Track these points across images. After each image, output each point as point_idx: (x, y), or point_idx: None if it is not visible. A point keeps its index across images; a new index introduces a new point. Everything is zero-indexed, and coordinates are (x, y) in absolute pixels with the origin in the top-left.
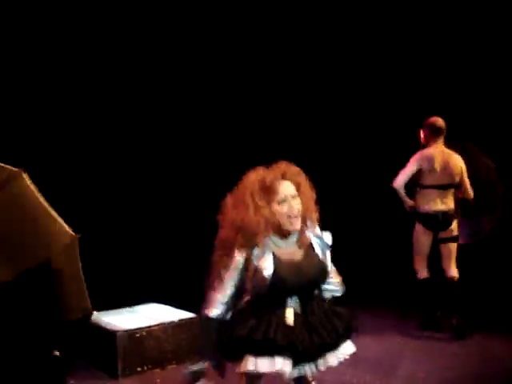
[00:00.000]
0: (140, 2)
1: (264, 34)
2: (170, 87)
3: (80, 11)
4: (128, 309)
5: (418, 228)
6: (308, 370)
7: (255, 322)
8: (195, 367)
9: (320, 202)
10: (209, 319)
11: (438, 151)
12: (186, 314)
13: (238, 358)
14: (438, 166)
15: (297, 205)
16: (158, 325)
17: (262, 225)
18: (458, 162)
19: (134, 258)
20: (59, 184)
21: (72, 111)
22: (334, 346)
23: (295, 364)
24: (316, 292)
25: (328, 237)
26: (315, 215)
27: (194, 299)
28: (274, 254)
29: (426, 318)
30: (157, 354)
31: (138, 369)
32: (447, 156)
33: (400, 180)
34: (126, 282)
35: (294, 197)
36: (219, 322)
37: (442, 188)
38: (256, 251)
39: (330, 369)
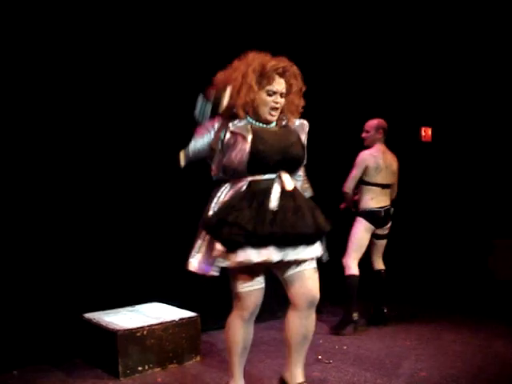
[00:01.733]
0: (140, 2)
1: (264, 34)
2: (168, 86)
3: (80, 11)
4: (129, 308)
5: (361, 225)
6: (290, 255)
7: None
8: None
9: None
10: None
11: (383, 151)
12: (187, 313)
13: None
14: (383, 165)
15: (281, 102)
16: (159, 324)
17: (248, 102)
18: (396, 162)
19: (134, 257)
20: (62, 180)
21: (67, 110)
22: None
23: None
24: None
25: (305, 124)
26: (297, 116)
27: (195, 298)
28: (252, 129)
29: (374, 314)
30: (158, 354)
31: (139, 368)
32: (390, 156)
33: (351, 184)
34: (126, 281)
35: (282, 94)
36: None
37: (386, 187)
38: (233, 124)
39: (331, 367)
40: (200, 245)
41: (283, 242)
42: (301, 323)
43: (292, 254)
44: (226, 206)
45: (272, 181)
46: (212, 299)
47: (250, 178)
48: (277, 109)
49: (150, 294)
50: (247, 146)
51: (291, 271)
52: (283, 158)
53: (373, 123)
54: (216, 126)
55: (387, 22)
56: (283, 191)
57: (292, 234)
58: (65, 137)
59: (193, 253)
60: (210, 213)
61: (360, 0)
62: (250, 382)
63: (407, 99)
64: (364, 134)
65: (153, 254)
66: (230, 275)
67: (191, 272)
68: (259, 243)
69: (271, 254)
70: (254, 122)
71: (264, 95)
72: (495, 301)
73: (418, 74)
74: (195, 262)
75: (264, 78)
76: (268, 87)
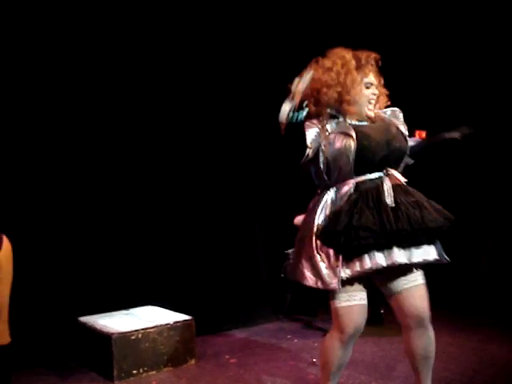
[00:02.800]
0: (139, 2)
1: (262, 34)
2: (167, 87)
3: (79, 11)
4: (124, 311)
5: None
6: (398, 256)
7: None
8: None
9: None
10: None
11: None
12: (182, 317)
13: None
14: None
15: (377, 93)
16: (153, 327)
17: (354, 94)
18: None
19: (129, 260)
20: (56, 186)
21: (69, 110)
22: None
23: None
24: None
25: (397, 111)
26: (385, 105)
27: (190, 302)
28: (353, 126)
29: (371, 314)
30: (152, 357)
31: (134, 371)
32: None
33: None
34: (121, 284)
35: (376, 86)
36: None
37: None
38: (333, 125)
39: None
40: (310, 258)
41: (411, 240)
42: (416, 344)
43: (417, 255)
44: (340, 212)
45: (380, 179)
46: (207, 303)
47: (354, 180)
48: (374, 102)
49: (144, 298)
50: (352, 144)
51: (398, 287)
52: (389, 152)
53: None
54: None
55: (383, 24)
56: (395, 187)
57: (421, 229)
58: (62, 138)
59: (304, 270)
60: (319, 222)
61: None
62: None
63: (401, 102)
64: None
65: (148, 258)
66: (331, 291)
67: (186, 275)
68: (387, 244)
69: (399, 256)
70: (350, 121)
71: (363, 89)
72: (489, 303)
73: (413, 76)
74: (312, 279)
75: (360, 69)
76: (365, 79)
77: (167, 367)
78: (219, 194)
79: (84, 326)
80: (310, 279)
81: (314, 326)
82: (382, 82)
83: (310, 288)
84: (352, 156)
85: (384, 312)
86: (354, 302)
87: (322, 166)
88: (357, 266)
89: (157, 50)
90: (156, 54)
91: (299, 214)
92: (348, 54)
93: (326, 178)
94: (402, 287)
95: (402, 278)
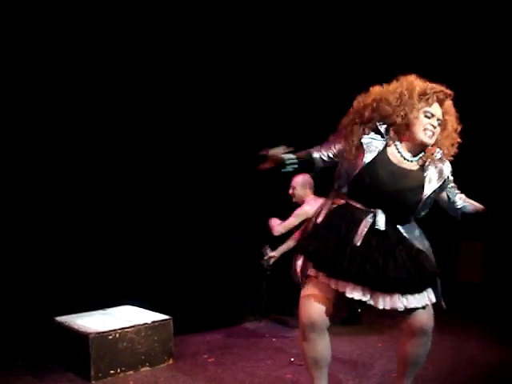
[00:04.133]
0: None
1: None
2: (167, 87)
3: (81, 11)
4: (101, 311)
5: None
6: (380, 301)
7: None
8: None
9: None
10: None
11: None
12: (159, 316)
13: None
14: None
15: (437, 128)
16: (131, 327)
17: (400, 114)
18: None
19: (107, 260)
20: (33, 183)
21: (70, 108)
22: (415, 286)
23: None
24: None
25: (448, 169)
26: (449, 152)
27: (168, 301)
28: (384, 151)
29: (348, 313)
30: (130, 357)
31: (111, 371)
32: None
33: (282, 231)
34: (98, 284)
35: (439, 120)
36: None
37: None
38: (371, 139)
39: (303, 369)
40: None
41: (366, 283)
42: (413, 351)
43: (383, 303)
44: (318, 229)
45: (367, 213)
46: (185, 302)
47: (345, 201)
48: (432, 133)
49: (122, 298)
50: (357, 168)
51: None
52: (391, 200)
53: (298, 180)
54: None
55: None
56: (374, 229)
57: (377, 276)
58: (47, 132)
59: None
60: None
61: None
62: None
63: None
64: (290, 191)
65: (125, 258)
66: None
67: (163, 275)
68: (338, 275)
69: (351, 290)
70: (397, 144)
71: (421, 116)
72: (463, 303)
73: (394, 69)
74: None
75: (423, 98)
76: (426, 108)
77: (145, 367)
78: (197, 193)
79: (61, 325)
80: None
81: (291, 325)
82: (456, 126)
83: (284, 287)
84: (350, 178)
85: (361, 311)
86: (313, 293)
87: (339, 171)
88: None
89: (156, 51)
90: (155, 55)
91: (273, 217)
92: (416, 81)
93: (336, 182)
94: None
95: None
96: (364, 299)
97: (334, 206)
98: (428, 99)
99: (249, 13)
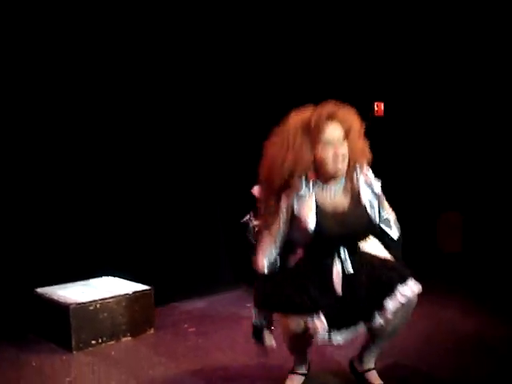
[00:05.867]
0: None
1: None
2: (167, 86)
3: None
4: (81, 282)
5: None
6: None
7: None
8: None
9: None
10: (262, 275)
11: None
12: (140, 287)
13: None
14: None
15: (343, 149)
16: (112, 297)
17: (300, 165)
18: None
19: (87, 230)
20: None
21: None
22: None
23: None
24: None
25: (377, 185)
26: (365, 161)
27: (148, 271)
28: (317, 203)
29: None
30: (111, 327)
31: (93, 342)
32: None
33: None
34: (79, 255)
35: (340, 140)
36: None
37: None
38: (297, 198)
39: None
40: None
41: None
42: (390, 321)
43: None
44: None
45: (332, 259)
46: (165, 272)
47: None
48: (342, 156)
49: (103, 268)
50: (310, 228)
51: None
52: (346, 238)
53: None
54: (283, 208)
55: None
56: (344, 274)
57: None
58: (54, 134)
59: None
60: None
61: None
62: (204, 353)
63: (360, 74)
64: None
65: (106, 228)
66: None
67: (144, 245)
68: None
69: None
70: (319, 186)
71: (321, 150)
72: (442, 272)
73: (370, 48)
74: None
75: (313, 132)
76: (322, 139)
77: (126, 337)
78: (177, 164)
79: (41, 297)
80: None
81: None
82: (354, 134)
83: None
84: (307, 240)
85: None
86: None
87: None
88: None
89: (155, 51)
90: (155, 55)
91: (256, 184)
92: (295, 121)
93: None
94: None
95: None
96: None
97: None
98: (318, 130)
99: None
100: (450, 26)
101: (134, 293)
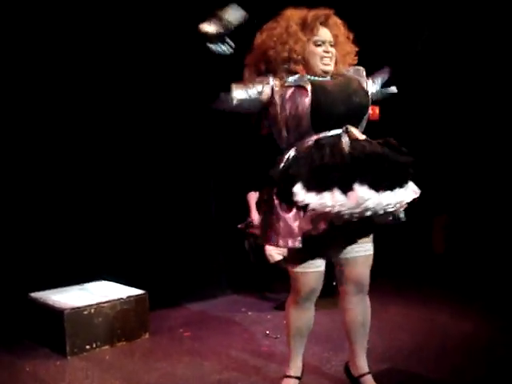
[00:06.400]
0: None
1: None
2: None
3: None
4: (76, 286)
5: None
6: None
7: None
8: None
9: None
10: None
11: None
12: (135, 291)
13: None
14: None
15: (332, 51)
16: (106, 302)
17: (297, 53)
18: None
19: (82, 234)
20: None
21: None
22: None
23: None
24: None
25: (360, 70)
26: (351, 62)
27: (143, 276)
28: (310, 81)
29: (324, 287)
30: (106, 332)
31: (87, 346)
32: None
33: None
34: (74, 259)
35: (330, 43)
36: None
37: None
38: (290, 79)
39: (279, 342)
40: (272, 219)
41: (370, 180)
42: (355, 311)
43: (387, 199)
44: (297, 161)
45: (338, 136)
46: (160, 277)
47: (314, 137)
48: (330, 58)
49: (97, 273)
50: (308, 98)
51: (346, 255)
52: (347, 108)
53: None
54: (270, 80)
55: None
56: (353, 141)
57: (380, 165)
58: (46, 139)
59: (267, 230)
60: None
61: None
62: (199, 358)
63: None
64: None
65: (101, 232)
66: (288, 255)
67: (138, 250)
68: (347, 183)
69: (363, 195)
70: (309, 76)
71: (312, 47)
72: (437, 275)
73: (367, 50)
74: (275, 238)
75: (307, 29)
76: (315, 38)
77: (121, 342)
78: (172, 167)
79: (36, 301)
80: (273, 239)
81: (268, 299)
82: (343, 39)
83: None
84: (307, 111)
85: (336, 284)
86: (309, 269)
87: (280, 124)
88: (317, 221)
89: (155, 50)
90: (154, 55)
91: (252, 190)
92: (294, 15)
93: (285, 135)
94: (353, 254)
95: (355, 245)
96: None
97: (302, 148)
98: (312, 29)
99: None
100: (442, 30)
101: (129, 297)
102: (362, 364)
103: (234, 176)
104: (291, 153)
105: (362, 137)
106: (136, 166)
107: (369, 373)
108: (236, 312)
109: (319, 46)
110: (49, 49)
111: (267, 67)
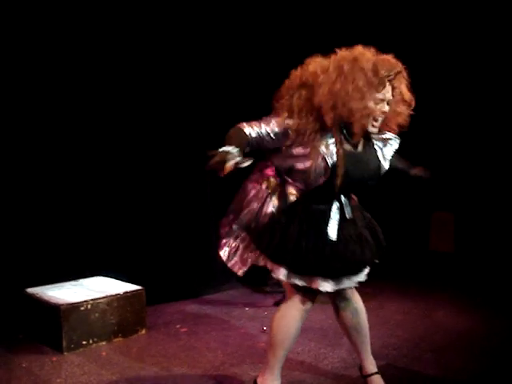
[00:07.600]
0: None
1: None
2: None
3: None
4: (73, 282)
5: None
6: (347, 283)
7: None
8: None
9: None
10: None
11: None
12: (132, 287)
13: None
14: None
15: (387, 110)
16: (103, 297)
17: (366, 111)
18: None
19: (78, 230)
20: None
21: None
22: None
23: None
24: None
25: (395, 143)
26: (398, 128)
27: (140, 271)
28: (338, 155)
29: None
30: (102, 328)
31: (84, 342)
32: None
33: None
34: (70, 254)
35: (388, 102)
36: None
37: None
38: (328, 139)
39: None
40: (237, 245)
41: (342, 274)
42: (343, 316)
43: (348, 282)
44: (280, 222)
45: (331, 205)
46: (157, 272)
47: (308, 194)
48: (379, 120)
49: (94, 268)
50: (323, 174)
51: None
52: (360, 188)
53: None
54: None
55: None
56: (343, 219)
57: (353, 264)
58: (43, 137)
59: (227, 252)
60: (262, 219)
61: None
62: (196, 353)
63: None
64: None
65: (97, 228)
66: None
67: (135, 245)
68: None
69: (325, 285)
70: (344, 137)
71: (370, 103)
72: (435, 272)
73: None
74: (232, 263)
75: (373, 83)
76: (377, 95)
77: (117, 337)
78: (169, 162)
79: (32, 297)
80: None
81: (264, 293)
82: (400, 96)
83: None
84: (318, 182)
85: None
86: (299, 297)
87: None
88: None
89: (155, 50)
90: (154, 54)
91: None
92: (367, 61)
93: (285, 173)
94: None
95: None
96: (335, 288)
97: (292, 197)
98: (379, 84)
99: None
100: (439, 33)
101: (126, 293)
102: (367, 364)
103: (232, 172)
104: (276, 195)
105: (350, 215)
106: (133, 162)
107: (376, 373)
108: (232, 308)
109: (377, 103)
110: (49, 50)
111: (332, 116)
